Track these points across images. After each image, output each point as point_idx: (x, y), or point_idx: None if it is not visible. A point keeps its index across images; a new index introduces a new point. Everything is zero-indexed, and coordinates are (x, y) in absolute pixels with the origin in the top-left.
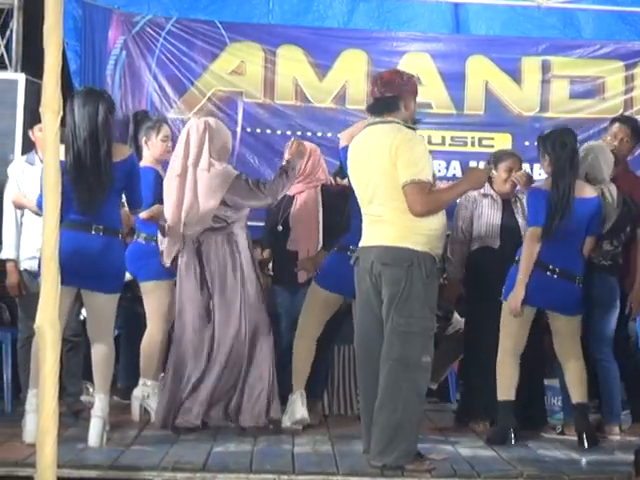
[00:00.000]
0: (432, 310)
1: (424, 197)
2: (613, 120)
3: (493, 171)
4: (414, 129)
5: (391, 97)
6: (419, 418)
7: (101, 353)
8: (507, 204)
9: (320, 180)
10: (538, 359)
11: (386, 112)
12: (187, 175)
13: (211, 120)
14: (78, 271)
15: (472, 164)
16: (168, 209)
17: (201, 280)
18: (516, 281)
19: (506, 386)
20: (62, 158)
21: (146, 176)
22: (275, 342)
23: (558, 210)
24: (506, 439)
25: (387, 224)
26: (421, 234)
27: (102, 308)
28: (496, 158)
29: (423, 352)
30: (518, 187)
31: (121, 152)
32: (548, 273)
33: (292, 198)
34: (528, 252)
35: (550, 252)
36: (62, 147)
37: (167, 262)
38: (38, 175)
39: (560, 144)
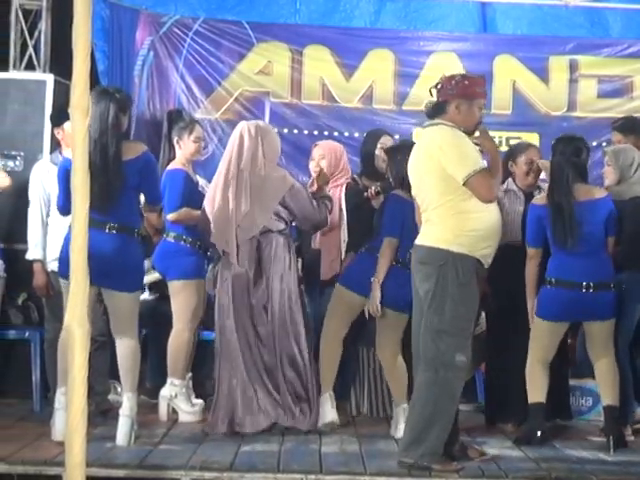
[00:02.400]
0: (469, 310)
1: (490, 182)
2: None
3: (514, 166)
4: (469, 134)
5: (440, 101)
6: (450, 419)
7: (125, 352)
8: (530, 198)
9: (345, 179)
10: (563, 356)
11: (436, 116)
12: (242, 179)
13: (262, 123)
14: (93, 270)
15: None
16: (215, 212)
17: (255, 280)
18: (536, 302)
19: (536, 390)
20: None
21: (175, 178)
22: None
23: (563, 220)
24: (533, 440)
25: (432, 225)
26: (462, 235)
27: (121, 306)
28: (514, 152)
29: (457, 351)
30: (543, 175)
31: (134, 150)
32: (584, 291)
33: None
34: (527, 273)
35: (580, 268)
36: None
37: (237, 262)
38: None
39: (554, 151)
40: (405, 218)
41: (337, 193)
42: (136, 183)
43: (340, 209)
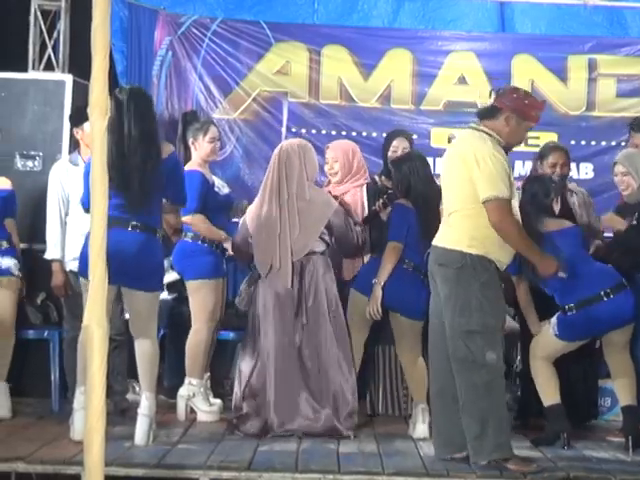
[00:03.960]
0: (494, 308)
1: (503, 214)
2: None
3: (541, 168)
4: (507, 149)
5: (494, 106)
6: (501, 411)
7: (144, 351)
8: None
9: (364, 179)
10: (587, 355)
11: (485, 119)
12: (292, 204)
13: (303, 142)
14: (115, 269)
15: (518, 163)
16: (261, 233)
17: (297, 303)
18: (555, 324)
19: (548, 391)
20: None
21: (192, 179)
22: None
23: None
24: (555, 442)
25: (449, 227)
26: (476, 239)
27: (142, 306)
28: (542, 154)
29: (486, 349)
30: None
31: (166, 150)
32: (605, 299)
33: (336, 199)
34: (520, 299)
35: (589, 280)
36: None
37: (291, 285)
38: (82, 176)
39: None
40: (410, 225)
41: (358, 194)
42: (163, 183)
43: (362, 209)
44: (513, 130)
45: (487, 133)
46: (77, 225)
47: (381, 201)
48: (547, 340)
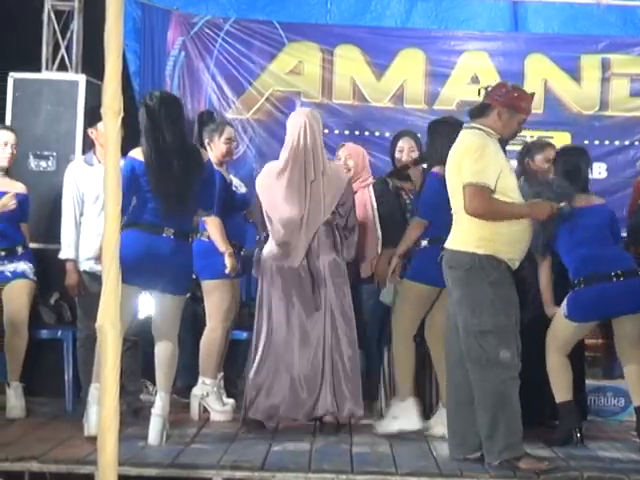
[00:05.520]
0: (506, 306)
1: (482, 201)
2: None
3: (530, 164)
4: (504, 143)
5: (485, 104)
6: (514, 411)
7: (166, 353)
8: None
9: (371, 179)
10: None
11: (476, 117)
12: (318, 183)
13: (314, 112)
14: (147, 272)
15: None
16: (282, 209)
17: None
18: (565, 305)
19: (561, 387)
20: (141, 159)
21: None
22: None
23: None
24: (570, 440)
25: (458, 228)
26: (484, 239)
27: (169, 309)
28: (530, 150)
29: (500, 348)
30: None
31: (204, 156)
32: (614, 280)
33: None
34: (541, 279)
35: (604, 259)
36: (138, 149)
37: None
38: (97, 176)
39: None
40: (442, 199)
41: (366, 192)
42: (200, 189)
43: (372, 207)
44: (506, 124)
45: (478, 128)
46: (91, 225)
47: (412, 159)
48: (559, 325)
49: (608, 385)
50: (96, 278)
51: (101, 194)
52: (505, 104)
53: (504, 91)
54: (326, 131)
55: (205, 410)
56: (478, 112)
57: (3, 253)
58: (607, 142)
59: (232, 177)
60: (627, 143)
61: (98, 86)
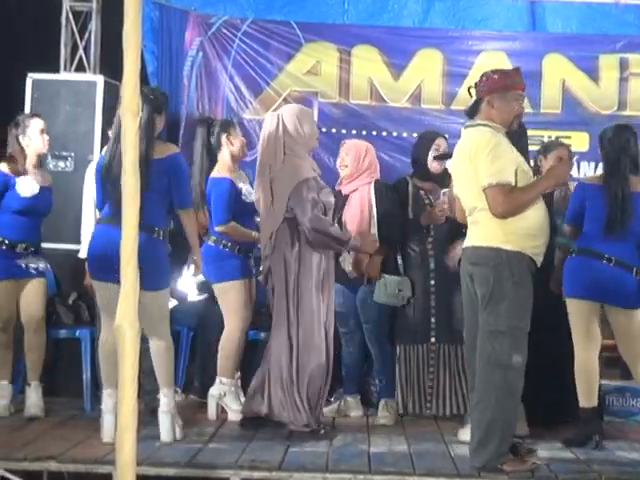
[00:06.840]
0: (524, 310)
1: (505, 198)
2: None
3: (543, 161)
4: (510, 130)
5: (476, 100)
6: (512, 419)
7: (158, 349)
8: (553, 194)
9: (372, 177)
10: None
11: (474, 115)
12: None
13: (286, 109)
14: (112, 267)
15: None
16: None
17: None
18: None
19: (587, 392)
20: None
21: (221, 187)
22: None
23: (617, 207)
24: (588, 442)
25: (477, 226)
26: (511, 233)
27: (147, 305)
28: (545, 149)
29: (513, 351)
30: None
31: (162, 150)
32: (604, 262)
33: (346, 197)
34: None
35: (608, 244)
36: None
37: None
38: None
39: (608, 140)
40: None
41: (364, 191)
42: (162, 183)
43: (370, 206)
44: (500, 108)
45: (482, 125)
46: None
47: (441, 152)
48: (569, 311)
49: (625, 385)
50: None
51: None
52: (490, 90)
53: (485, 79)
54: (344, 131)
55: (223, 410)
56: (472, 110)
57: (32, 248)
58: None
59: (242, 184)
60: None
61: (116, 87)
